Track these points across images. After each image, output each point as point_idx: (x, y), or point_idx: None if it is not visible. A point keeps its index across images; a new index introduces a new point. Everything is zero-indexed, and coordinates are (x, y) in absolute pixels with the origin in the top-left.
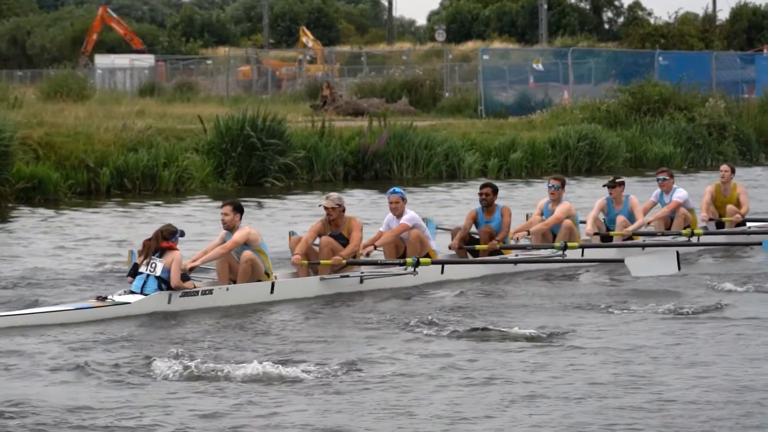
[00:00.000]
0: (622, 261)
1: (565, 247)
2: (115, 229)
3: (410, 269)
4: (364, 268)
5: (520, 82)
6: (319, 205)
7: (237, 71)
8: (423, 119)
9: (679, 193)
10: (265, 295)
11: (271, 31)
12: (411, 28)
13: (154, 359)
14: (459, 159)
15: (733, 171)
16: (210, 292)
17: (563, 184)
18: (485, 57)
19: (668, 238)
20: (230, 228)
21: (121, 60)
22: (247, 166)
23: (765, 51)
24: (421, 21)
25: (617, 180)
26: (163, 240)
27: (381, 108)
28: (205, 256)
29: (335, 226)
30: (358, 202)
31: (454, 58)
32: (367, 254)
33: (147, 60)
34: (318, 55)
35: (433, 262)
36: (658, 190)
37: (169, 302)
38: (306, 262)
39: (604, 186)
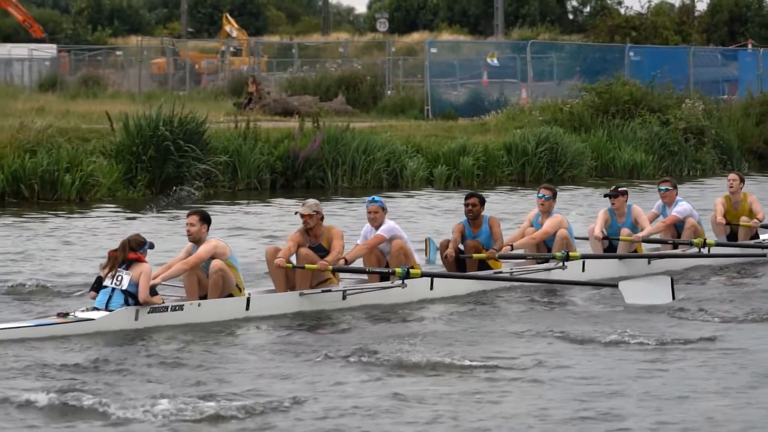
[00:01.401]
0: (615, 286)
1: (566, 258)
2: (10, 243)
3: (398, 281)
4: (347, 283)
5: (472, 78)
6: (295, 213)
7: (151, 64)
8: (362, 120)
9: (681, 207)
10: (240, 311)
11: (189, 18)
12: (349, 16)
13: (120, 381)
14: (402, 166)
15: (742, 180)
16: (180, 308)
17: (554, 195)
18: (433, 50)
19: (678, 250)
20: (196, 240)
21: (18, 50)
22: (160, 172)
23: (749, 46)
24: (361, 9)
25: (619, 189)
26: (131, 251)
27: (314, 107)
28: (166, 273)
29: (314, 237)
30: (286, 213)
31: (397, 51)
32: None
33: (48, 50)
34: (243, 46)
35: (424, 274)
36: (660, 202)
37: (136, 319)
38: (291, 265)
39: (605, 196)
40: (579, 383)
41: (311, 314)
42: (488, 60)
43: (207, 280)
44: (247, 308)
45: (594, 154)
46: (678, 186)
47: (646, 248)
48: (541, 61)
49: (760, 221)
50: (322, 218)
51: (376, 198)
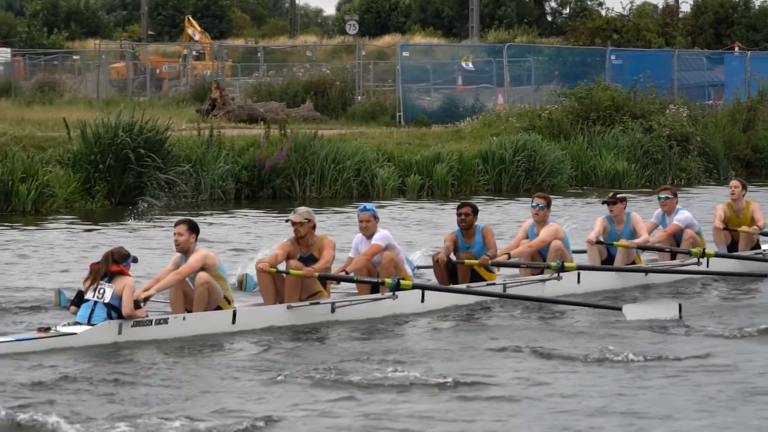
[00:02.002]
0: (619, 309)
1: (561, 269)
2: None
3: (389, 293)
4: (337, 295)
5: (446, 84)
6: (286, 221)
7: (109, 69)
8: (331, 127)
9: (681, 215)
10: (226, 324)
11: (150, 21)
12: (317, 18)
13: (101, 397)
14: (373, 175)
15: (744, 187)
16: (165, 321)
17: (549, 204)
18: (405, 54)
19: (677, 260)
20: (184, 250)
21: None
22: (120, 182)
23: (736, 49)
24: (330, 10)
25: (618, 196)
26: (114, 263)
27: (281, 113)
28: (158, 284)
29: (305, 246)
30: (252, 224)
31: (367, 55)
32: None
33: (2, 54)
34: (206, 50)
35: (415, 286)
36: (659, 211)
37: (119, 332)
38: (275, 270)
39: (603, 203)
40: (559, 401)
41: (299, 328)
42: (463, 64)
43: (193, 293)
44: (234, 322)
45: (574, 162)
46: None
47: (643, 257)
48: (519, 65)
49: (760, 228)
50: (314, 227)
51: (368, 206)
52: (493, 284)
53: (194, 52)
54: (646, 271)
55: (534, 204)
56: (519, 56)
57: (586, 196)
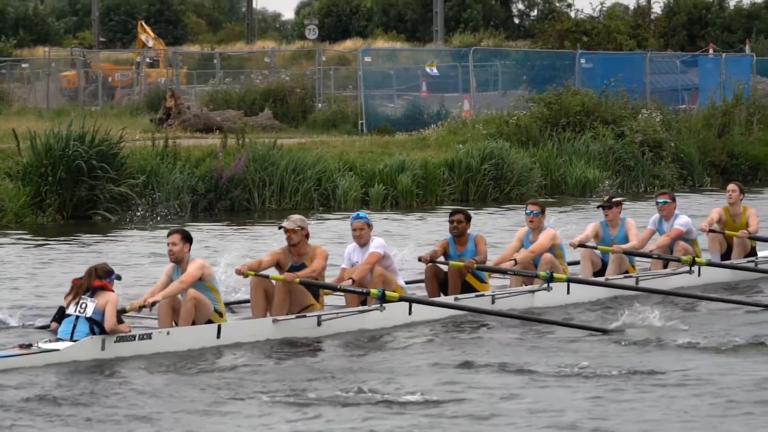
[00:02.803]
0: (605, 332)
1: (550, 279)
2: None
3: (376, 304)
4: (327, 309)
5: (409, 90)
6: (279, 227)
7: (60, 77)
8: (290, 136)
9: (682, 220)
10: (211, 339)
11: (101, 27)
12: (275, 23)
13: (85, 418)
14: (334, 185)
15: (741, 191)
16: (149, 336)
17: (543, 210)
18: (367, 59)
19: (667, 270)
20: (179, 260)
21: None
22: (71, 195)
23: (711, 51)
24: (288, 15)
25: (613, 200)
26: (97, 278)
27: (238, 122)
28: (164, 292)
29: (297, 255)
30: (210, 238)
31: (328, 60)
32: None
33: None
34: (160, 56)
35: (401, 299)
36: (656, 216)
37: (103, 348)
38: (253, 273)
39: (598, 207)
40: (537, 417)
41: (284, 342)
42: (427, 69)
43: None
44: (218, 336)
45: (543, 170)
46: (629, 205)
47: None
48: (485, 69)
49: (750, 233)
50: (307, 235)
51: (361, 214)
52: (482, 295)
53: (148, 59)
54: (636, 289)
55: (528, 211)
56: (485, 60)
57: (559, 205)
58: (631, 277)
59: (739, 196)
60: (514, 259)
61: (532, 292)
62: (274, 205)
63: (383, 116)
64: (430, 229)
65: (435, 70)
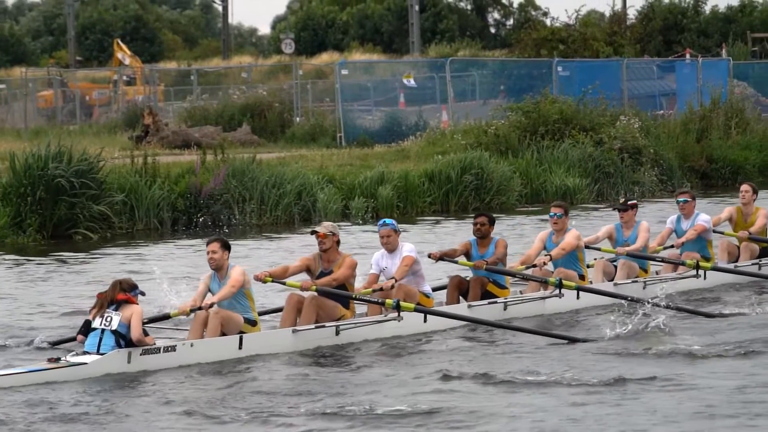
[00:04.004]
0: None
1: (560, 285)
2: None
3: (393, 314)
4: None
5: (387, 102)
6: (311, 232)
7: (37, 97)
8: (269, 150)
9: (704, 216)
10: (233, 351)
11: (78, 46)
12: (252, 38)
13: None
14: (314, 199)
15: (755, 191)
16: (173, 348)
17: (567, 212)
18: (344, 72)
19: (674, 274)
20: (219, 267)
21: None
22: (51, 215)
23: (687, 56)
24: (265, 29)
25: (629, 202)
26: (121, 291)
27: (217, 138)
28: (218, 294)
29: (327, 261)
30: (192, 254)
31: (305, 74)
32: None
33: None
34: (137, 74)
35: (417, 310)
36: (674, 216)
37: (129, 361)
38: (270, 279)
39: (614, 209)
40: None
41: (303, 352)
42: (404, 80)
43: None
44: (240, 347)
45: (523, 179)
46: (608, 211)
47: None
48: (462, 79)
49: (751, 233)
50: (338, 242)
51: (387, 221)
52: (495, 302)
53: (125, 77)
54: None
55: (552, 214)
56: (462, 71)
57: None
58: (638, 281)
59: (752, 196)
60: (549, 254)
61: (543, 299)
62: (254, 220)
63: (362, 129)
64: (413, 240)
65: (412, 82)
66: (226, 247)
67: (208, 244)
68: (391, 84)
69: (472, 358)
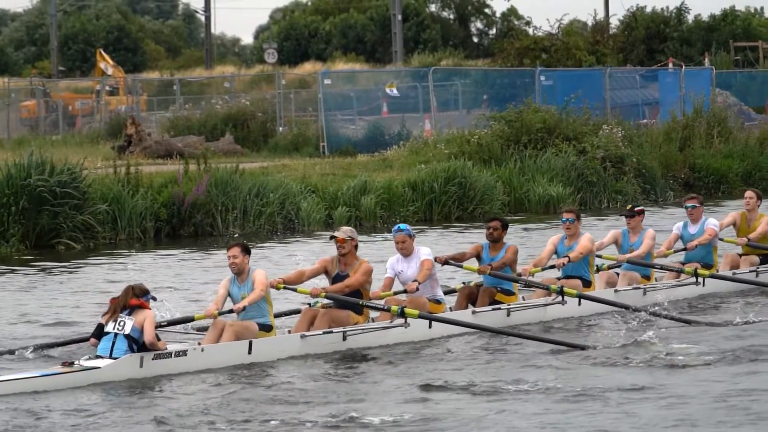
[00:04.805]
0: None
1: (561, 292)
2: None
3: (399, 320)
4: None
5: (370, 111)
6: (330, 237)
7: (20, 107)
8: (252, 160)
9: (713, 221)
10: (243, 356)
11: (60, 56)
12: (234, 48)
13: None
14: (297, 208)
15: (759, 197)
16: (184, 353)
17: (578, 217)
18: (327, 81)
19: (674, 282)
20: (240, 271)
21: None
22: (34, 224)
23: (670, 65)
24: (247, 39)
25: (636, 209)
26: (134, 296)
27: (200, 148)
28: (249, 298)
29: (344, 265)
30: (176, 263)
31: (288, 84)
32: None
33: None
34: (120, 84)
35: (421, 316)
36: (681, 222)
37: (141, 366)
38: (282, 286)
39: (621, 215)
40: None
41: (312, 357)
42: (387, 90)
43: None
44: (250, 352)
45: (506, 188)
46: (592, 219)
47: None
48: (445, 89)
49: (750, 240)
50: (356, 246)
51: (402, 226)
52: (499, 308)
53: (107, 87)
54: (644, 310)
55: (564, 219)
56: (445, 80)
57: (522, 222)
58: (639, 288)
59: (757, 202)
60: (568, 256)
61: (545, 305)
62: (237, 230)
63: (345, 138)
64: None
65: (395, 91)
66: (247, 251)
67: (228, 249)
68: (374, 93)
69: (476, 365)
